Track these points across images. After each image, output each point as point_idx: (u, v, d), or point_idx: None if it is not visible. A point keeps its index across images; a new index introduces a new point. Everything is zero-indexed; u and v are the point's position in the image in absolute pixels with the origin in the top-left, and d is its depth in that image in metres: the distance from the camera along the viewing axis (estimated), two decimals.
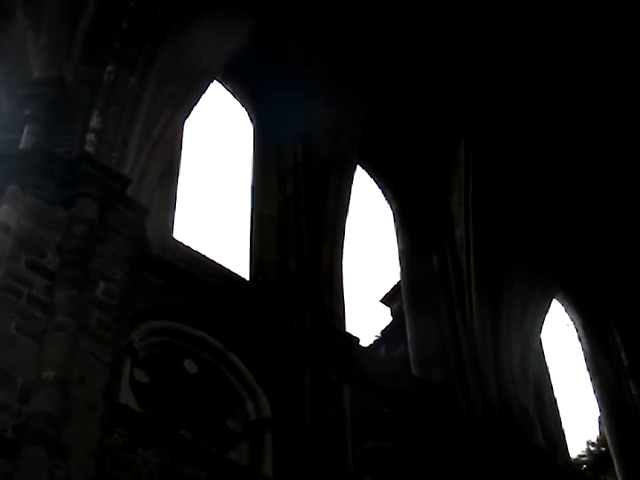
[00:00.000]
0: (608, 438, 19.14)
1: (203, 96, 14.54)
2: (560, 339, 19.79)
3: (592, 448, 25.96)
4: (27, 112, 11.99)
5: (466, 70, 17.93)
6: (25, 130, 11.70)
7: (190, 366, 12.23)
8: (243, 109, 17.46)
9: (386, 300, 20.60)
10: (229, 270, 14.09)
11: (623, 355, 19.31)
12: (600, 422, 23.43)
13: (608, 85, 18.03)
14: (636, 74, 17.68)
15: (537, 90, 18.08)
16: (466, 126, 18.12)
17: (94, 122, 12.18)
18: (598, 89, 18.09)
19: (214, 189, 16.10)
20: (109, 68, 12.88)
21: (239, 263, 14.93)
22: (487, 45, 17.64)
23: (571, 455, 18.55)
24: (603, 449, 23.41)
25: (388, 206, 18.85)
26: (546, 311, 17.84)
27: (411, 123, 18.74)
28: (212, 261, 13.86)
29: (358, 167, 17.09)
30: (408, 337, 16.78)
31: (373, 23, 16.88)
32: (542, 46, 17.58)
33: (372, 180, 18.92)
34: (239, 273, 14.37)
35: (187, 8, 14.30)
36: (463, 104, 18.13)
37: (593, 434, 26.33)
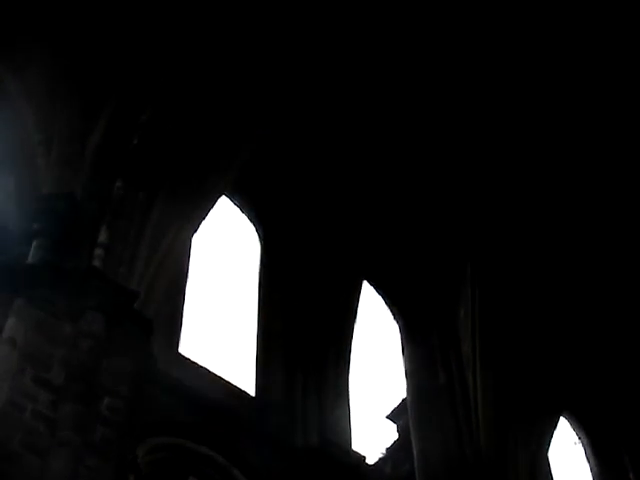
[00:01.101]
0: None
1: (211, 210, 14.57)
2: (568, 457, 19.40)
3: None
4: (36, 226, 12.05)
5: (472, 195, 18.26)
6: (34, 244, 11.74)
7: None
8: (250, 223, 17.58)
9: (392, 416, 20.39)
10: (234, 386, 14.06)
11: (632, 475, 19.04)
12: None
13: (605, 193, 18.17)
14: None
15: (541, 215, 18.38)
16: (472, 245, 18.31)
17: (102, 237, 12.22)
18: (596, 201, 18.27)
19: (221, 303, 16.00)
20: (118, 184, 12.97)
21: (245, 377, 14.85)
22: (495, 172, 17.94)
23: None
24: None
25: (395, 322, 18.78)
26: (553, 429, 17.69)
27: (417, 242, 18.90)
28: (217, 377, 13.84)
29: (365, 283, 17.12)
30: (414, 454, 16.53)
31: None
32: (546, 172, 17.83)
33: (379, 296, 18.90)
34: (245, 389, 14.32)
35: (196, 126, 14.40)
36: (470, 225, 18.33)
37: None
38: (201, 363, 13.84)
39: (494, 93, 16.96)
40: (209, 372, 13.78)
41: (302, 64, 15.57)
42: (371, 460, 17.33)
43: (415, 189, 18.31)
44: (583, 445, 19.98)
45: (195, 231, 14.25)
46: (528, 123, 17.33)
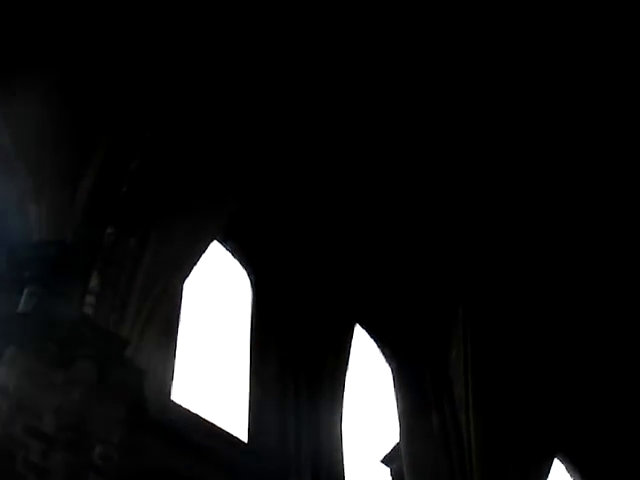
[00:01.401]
0: None
1: (203, 256, 14.56)
2: None
3: None
4: (27, 274, 12.00)
5: (464, 237, 18.42)
6: (25, 292, 11.69)
7: None
8: (242, 268, 17.55)
9: (386, 460, 20.19)
10: (227, 432, 13.95)
11: None
12: None
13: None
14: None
15: (533, 257, 18.58)
16: (464, 286, 18.45)
17: (93, 283, 12.16)
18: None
19: (213, 348, 15.96)
20: (109, 230, 12.94)
21: (237, 423, 14.76)
22: (485, 213, 18.14)
23: None
24: None
25: (387, 364, 18.78)
26: (548, 471, 17.65)
27: (409, 284, 18.99)
28: (210, 423, 13.74)
29: (357, 326, 17.19)
30: None
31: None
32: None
33: (371, 339, 18.88)
34: (237, 435, 14.23)
35: (186, 173, 14.46)
36: (461, 267, 18.46)
37: None
38: (193, 410, 13.72)
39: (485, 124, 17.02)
40: (201, 418, 13.68)
41: (290, 108, 15.64)
42: None
43: (406, 232, 18.42)
44: None
45: (187, 277, 14.22)
46: (517, 159, 17.41)
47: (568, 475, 19.95)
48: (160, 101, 14.24)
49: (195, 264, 14.25)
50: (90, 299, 11.95)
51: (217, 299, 16.88)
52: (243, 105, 15.08)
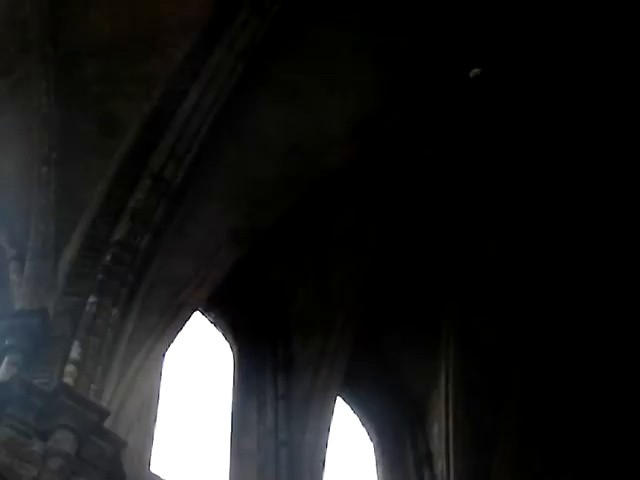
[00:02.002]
0: None
1: (184, 326, 14.51)
2: None
3: None
4: (8, 342, 11.91)
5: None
6: (5, 360, 11.62)
7: None
8: (224, 339, 17.54)
9: None
10: None
11: None
12: None
13: None
14: None
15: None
16: (445, 356, 18.30)
17: (74, 353, 12.06)
18: None
19: (193, 420, 15.86)
20: (91, 299, 12.87)
21: None
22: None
23: None
24: None
25: (369, 440, 18.70)
26: None
27: (390, 358, 19.09)
28: None
29: (339, 399, 17.14)
30: None
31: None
32: None
33: (352, 413, 18.83)
34: None
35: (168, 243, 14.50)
36: (441, 324, 18.51)
37: None
38: None
39: None
40: None
41: None
42: None
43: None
44: None
45: (168, 347, 14.11)
46: None
47: None
48: None
49: (177, 334, 14.18)
50: (70, 368, 11.82)
51: (199, 369, 16.79)
52: None
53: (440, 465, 17.32)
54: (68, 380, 11.65)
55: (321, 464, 15.41)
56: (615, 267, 19.25)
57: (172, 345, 14.26)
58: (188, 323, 14.69)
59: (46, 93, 14.22)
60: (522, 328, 19.12)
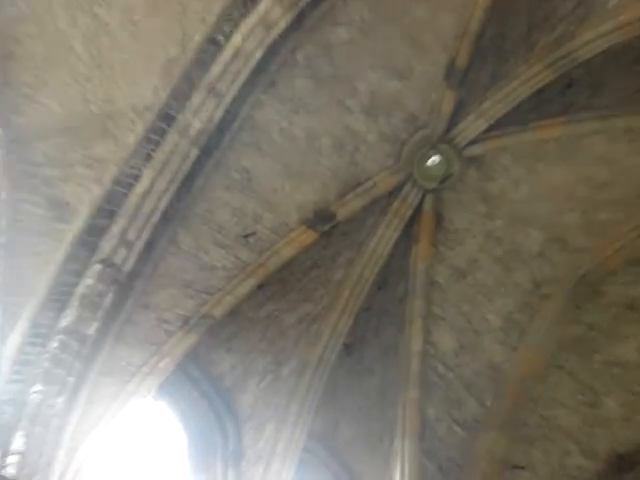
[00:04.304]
0: None
1: (134, 416, 14.31)
2: None
3: None
4: None
5: None
6: None
7: None
8: (176, 425, 17.25)
9: None
10: None
11: None
12: None
13: None
14: None
15: None
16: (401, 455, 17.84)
17: (18, 443, 11.84)
18: None
19: None
20: (36, 388, 12.66)
21: None
22: None
23: None
24: None
25: None
26: None
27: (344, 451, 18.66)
28: None
29: None
30: None
31: None
32: None
33: None
34: None
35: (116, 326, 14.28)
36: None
37: None
38: None
39: None
40: None
41: None
42: None
43: None
44: None
45: (117, 434, 13.82)
46: None
47: None
48: None
49: (127, 420, 13.99)
50: (13, 459, 11.61)
51: (149, 457, 16.40)
52: None
53: None
54: (11, 472, 11.41)
55: None
56: None
57: (122, 432, 14.02)
58: (138, 412, 14.45)
59: None
60: None
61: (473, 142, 16.29)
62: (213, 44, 13.71)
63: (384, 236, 16.86)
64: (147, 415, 16.56)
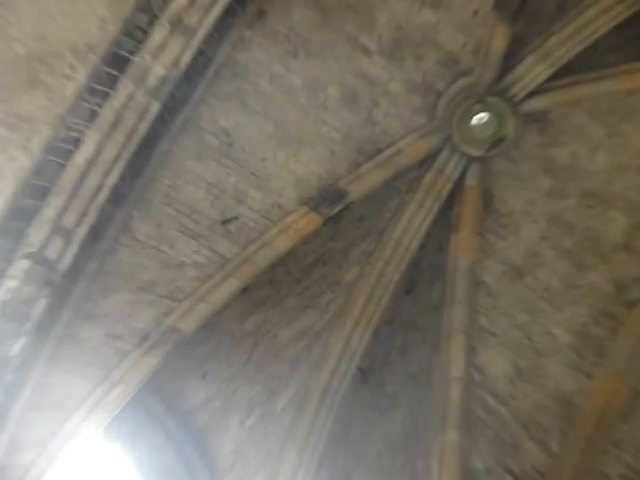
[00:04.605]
0: None
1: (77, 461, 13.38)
2: None
3: None
4: None
5: None
6: None
7: None
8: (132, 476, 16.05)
9: None
10: None
11: None
12: None
13: None
14: None
15: None
16: None
17: None
18: None
19: None
20: None
21: None
22: None
23: None
24: None
25: None
26: None
27: None
28: None
29: None
30: None
31: None
32: None
33: None
34: None
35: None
36: None
37: None
38: None
39: None
40: None
41: None
42: None
43: None
44: None
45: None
46: None
47: None
48: None
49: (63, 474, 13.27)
50: None
51: None
52: None
53: None
54: None
55: None
56: None
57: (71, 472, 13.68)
58: (80, 460, 13.70)
59: None
60: None
61: (533, 94, 14.16)
62: None
63: (413, 222, 14.89)
64: (94, 464, 15.68)
